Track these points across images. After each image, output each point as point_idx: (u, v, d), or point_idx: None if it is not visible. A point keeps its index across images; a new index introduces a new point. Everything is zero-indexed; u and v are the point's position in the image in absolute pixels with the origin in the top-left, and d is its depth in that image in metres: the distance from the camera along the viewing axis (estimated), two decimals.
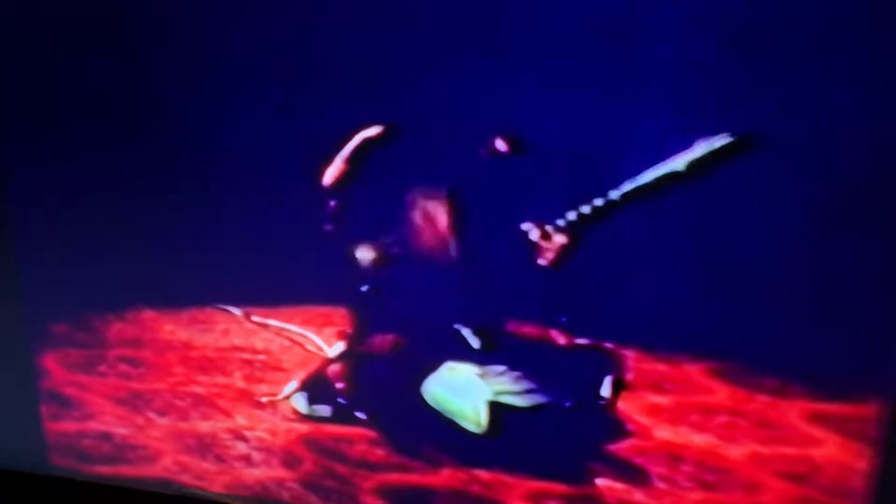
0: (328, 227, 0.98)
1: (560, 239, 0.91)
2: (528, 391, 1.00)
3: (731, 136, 0.83)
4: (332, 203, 0.97)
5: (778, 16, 0.79)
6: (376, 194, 0.95)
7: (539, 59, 0.86)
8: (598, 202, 0.88)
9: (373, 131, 0.92)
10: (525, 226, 0.92)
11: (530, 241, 0.92)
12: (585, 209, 0.89)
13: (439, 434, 1.04)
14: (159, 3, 0.94)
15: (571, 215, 0.90)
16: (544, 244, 0.91)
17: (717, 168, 0.84)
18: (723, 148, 0.83)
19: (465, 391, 1.01)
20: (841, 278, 0.86)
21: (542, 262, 0.92)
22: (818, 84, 0.80)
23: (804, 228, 0.85)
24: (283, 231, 1.01)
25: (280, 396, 1.09)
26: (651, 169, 0.86)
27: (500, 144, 0.90)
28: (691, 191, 0.86)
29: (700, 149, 0.84)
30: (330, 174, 0.95)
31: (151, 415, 1.15)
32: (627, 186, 0.87)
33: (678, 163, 0.85)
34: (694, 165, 0.85)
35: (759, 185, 0.85)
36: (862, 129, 0.80)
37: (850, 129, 0.81)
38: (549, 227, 0.91)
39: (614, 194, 0.88)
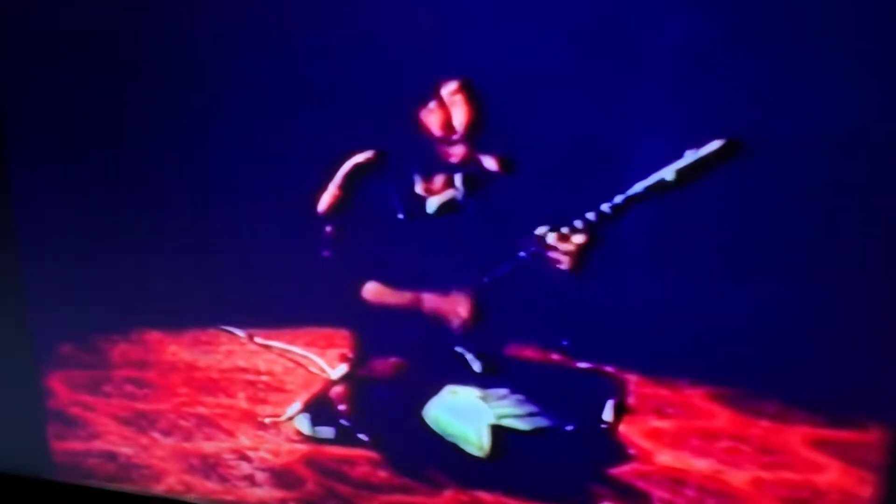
0: (328, 250, 0.99)
1: (578, 239, 0.90)
2: (530, 415, 1.00)
3: (721, 142, 0.83)
4: (330, 228, 0.97)
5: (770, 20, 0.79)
6: (370, 218, 0.96)
7: (527, 74, 0.86)
8: (592, 216, 0.89)
9: (362, 157, 0.93)
10: (540, 230, 0.92)
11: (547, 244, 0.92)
12: (579, 224, 0.89)
13: (441, 456, 1.04)
14: (165, 35, 0.95)
15: (566, 230, 0.90)
16: (563, 247, 0.91)
17: (710, 178, 0.84)
18: (712, 156, 0.83)
19: (466, 414, 1.01)
20: (844, 303, 0.86)
21: (560, 267, 0.92)
22: (812, 89, 0.80)
23: (805, 251, 0.85)
24: (285, 254, 1.01)
25: (283, 417, 1.10)
26: (641, 181, 0.86)
27: (491, 163, 0.90)
28: (689, 209, 0.86)
29: (688, 157, 0.84)
30: (324, 201, 0.96)
31: (156, 435, 1.16)
32: (618, 198, 0.87)
33: (667, 172, 0.85)
34: (683, 174, 0.84)
35: (756, 202, 0.85)
36: (867, 146, 0.81)
37: (850, 141, 0.80)
38: (564, 230, 0.90)
39: (605, 207, 0.88)
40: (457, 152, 0.90)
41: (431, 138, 0.91)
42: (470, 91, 0.88)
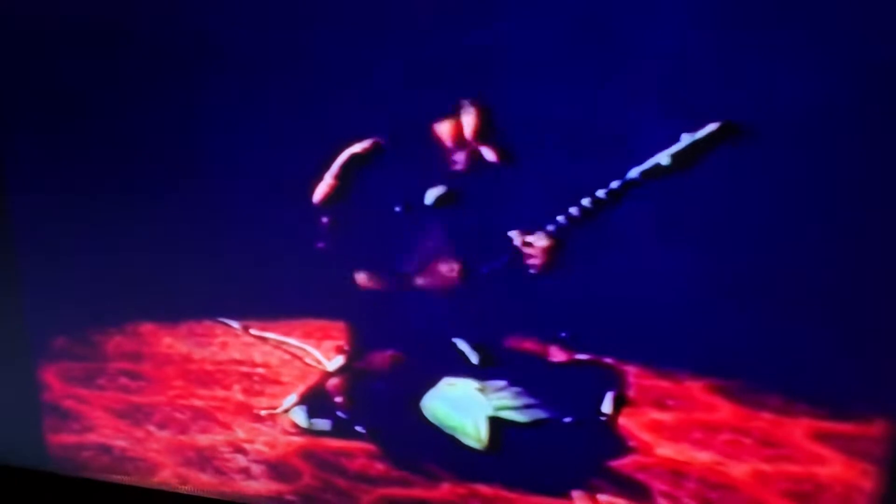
0: (323, 241, 0.97)
1: (543, 242, 0.90)
2: (528, 406, 0.99)
3: (717, 125, 0.81)
4: (325, 218, 0.96)
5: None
6: (367, 209, 0.95)
7: (520, 60, 0.85)
8: (586, 202, 0.87)
9: (359, 147, 0.91)
10: (511, 233, 0.91)
11: (516, 247, 0.91)
12: (575, 211, 0.88)
13: (439, 449, 1.04)
14: (159, 21, 0.93)
15: (562, 219, 0.89)
16: (528, 250, 0.90)
17: (708, 165, 0.82)
18: (709, 139, 0.82)
19: (464, 406, 1.00)
20: (846, 294, 0.84)
21: (531, 268, 0.91)
22: (809, 70, 0.78)
23: (807, 241, 0.83)
24: (280, 244, 1.00)
25: (279, 410, 1.08)
26: (637, 166, 0.85)
27: (489, 154, 0.89)
28: (687, 198, 0.85)
29: (684, 140, 0.82)
30: (320, 190, 0.94)
31: (151, 427, 1.15)
32: (614, 184, 0.86)
33: (662, 156, 0.84)
34: (679, 158, 0.83)
35: (756, 190, 0.83)
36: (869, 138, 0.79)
37: (851, 123, 0.79)
38: (530, 238, 0.89)
39: (601, 192, 0.87)
40: (462, 158, 0.89)
41: (442, 148, 0.89)
42: (482, 101, 0.87)
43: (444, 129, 0.88)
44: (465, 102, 0.87)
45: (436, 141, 0.90)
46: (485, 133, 0.88)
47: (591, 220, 0.88)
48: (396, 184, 0.93)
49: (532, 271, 0.91)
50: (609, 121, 0.84)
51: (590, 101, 0.84)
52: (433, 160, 0.91)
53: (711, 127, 0.81)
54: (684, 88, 0.81)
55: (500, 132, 0.88)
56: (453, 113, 0.88)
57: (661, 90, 0.82)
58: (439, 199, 0.92)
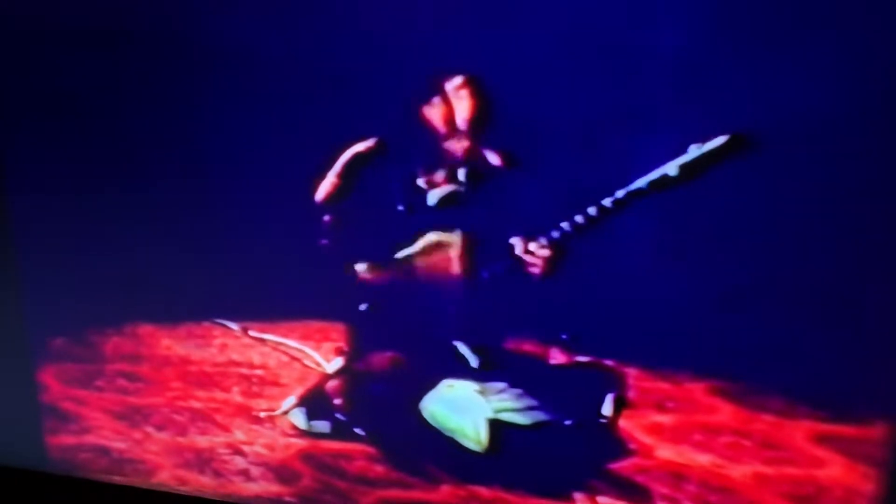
0: (324, 242, 0.97)
1: (545, 252, 0.90)
2: (528, 409, 0.98)
3: (726, 137, 0.81)
4: (327, 218, 0.96)
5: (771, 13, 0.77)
6: (370, 207, 0.95)
7: (526, 68, 0.85)
8: (592, 211, 0.87)
9: (363, 146, 0.91)
10: (513, 240, 0.91)
11: (517, 255, 0.91)
12: (580, 219, 0.88)
13: (439, 451, 1.03)
14: (160, 19, 0.93)
15: (566, 225, 0.88)
16: (529, 259, 0.90)
17: (714, 173, 0.82)
18: (716, 151, 0.82)
19: (464, 409, 1.00)
20: (848, 298, 0.84)
21: (532, 276, 0.91)
22: (813, 82, 0.78)
23: (809, 245, 0.83)
24: (279, 246, 1.00)
25: (278, 412, 1.08)
26: (644, 176, 0.85)
27: (494, 158, 0.88)
28: (691, 203, 0.85)
29: (693, 152, 0.82)
30: (323, 189, 0.94)
31: (149, 429, 1.14)
32: (620, 193, 0.86)
33: (670, 167, 0.83)
34: (686, 169, 0.83)
35: (760, 197, 0.83)
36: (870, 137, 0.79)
37: (858, 136, 0.79)
38: (532, 245, 0.89)
39: (607, 202, 0.86)
40: (459, 148, 0.88)
41: (435, 134, 0.89)
42: (475, 86, 0.86)
43: (434, 115, 0.88)
44: (457, 82, 0.86)
45: (440, 146, 0.90)
46: (482, 123, 0.87)
47: (595, 227, 0.88)
48: (400, 183, 0.92)
49: (534, 279, 0.91)
50: (616, 130, 0.84)
51: (599, 111, 0.84)
52: (439, 161, 0.91)
53: (720, 139, 0.81)
54: (694, 101, 0.81)
55: (506, 138, 0.88)
56: (440, 96, 0.88)
57: (670, 102, 0.82)
58: (442, 201, 0.92)
